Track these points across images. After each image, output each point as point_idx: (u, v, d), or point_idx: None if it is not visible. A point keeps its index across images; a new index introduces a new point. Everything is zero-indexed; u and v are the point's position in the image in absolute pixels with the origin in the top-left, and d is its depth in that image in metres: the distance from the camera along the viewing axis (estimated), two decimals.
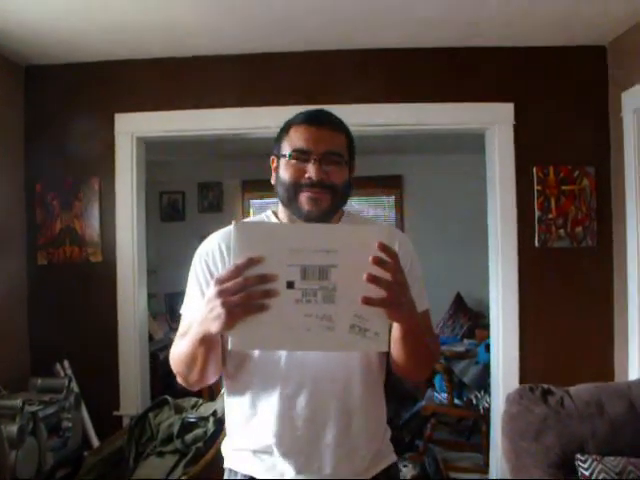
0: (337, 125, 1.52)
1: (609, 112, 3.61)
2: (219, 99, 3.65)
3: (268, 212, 1.62)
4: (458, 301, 6.40)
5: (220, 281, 1.18)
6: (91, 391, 3.53)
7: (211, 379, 1.47)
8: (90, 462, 2.83)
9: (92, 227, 3.70)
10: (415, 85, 3.66)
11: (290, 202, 1.48)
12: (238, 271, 1.17)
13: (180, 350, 1.42)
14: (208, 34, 3.39)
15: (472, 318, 6.13)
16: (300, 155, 1.46)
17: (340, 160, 1.48)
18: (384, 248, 1.17)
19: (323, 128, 1.47)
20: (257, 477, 1.48)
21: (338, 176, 1.47)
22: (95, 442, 3.43)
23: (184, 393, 3.46)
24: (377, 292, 1.18)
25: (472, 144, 4.21)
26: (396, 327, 1.33)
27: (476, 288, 5.71)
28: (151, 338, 4.46)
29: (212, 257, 1.51)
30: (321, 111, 1.54)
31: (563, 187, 3.62)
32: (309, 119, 1.49)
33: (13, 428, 2.59)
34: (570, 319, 3.63)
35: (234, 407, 1.54)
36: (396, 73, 3.66)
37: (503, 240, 3.64)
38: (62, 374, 3.47)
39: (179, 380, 1.52)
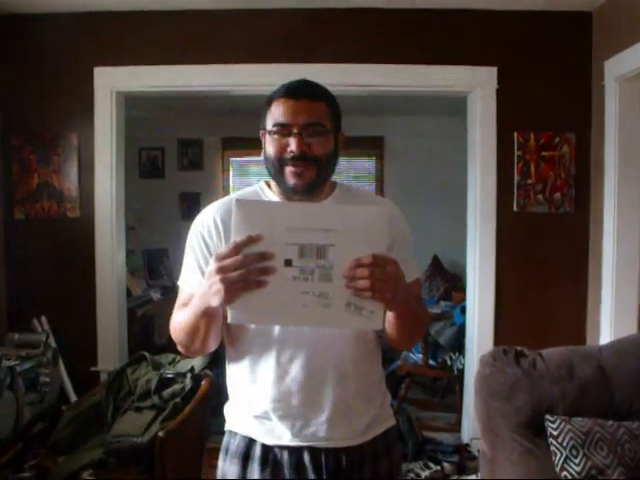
0: (318, 95, 1.50)
1: (592, 79, 3.62)
2: (201, 55, 3.60)
3: (261, 183, 1.61)
4: (435, 263, 6.45)
5: (220, 258, 1.22)
6: (69, 346, 3.54)
7: (212, 347, 1.51)
8: (68, 416, 2.84)
9: (70, 182, 3.67)
10: (398, 46, 3.63)
11: (276, 176, 1.49)
12: (237, 249, 1.21)
13: (181, 320, 1.46)
14: None
15: (449, 280, 6.19)
16: (281, 129, 1.45)
17: (322, 130, 1.46)
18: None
19: (303, 99, 1.46)
20: (256, 439, 1.52)
21: (321, 147, 1.46)
22: (73, 397, 3.44)
23: (162, 349, 3.48)
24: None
25: (454, 107, 4.20)
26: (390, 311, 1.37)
27: (454, 251, 5.76)
28: (129, 294, 4.45)
29: (207, 230, 1.51)
30: (302, 82, 1.52)
31: (543, 153, 3.64)
32: (288, 92, 1.47)
33: None
34: (546, 283, 3.69)
35: (234, 373, 1.58)
36: (379, 34, 3.63)
37: (482, 204, 3.67)
38: (40, 329, 3.47)
39: (179, 348, 1.54)
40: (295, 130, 1.43)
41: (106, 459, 2.54)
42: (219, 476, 1.59)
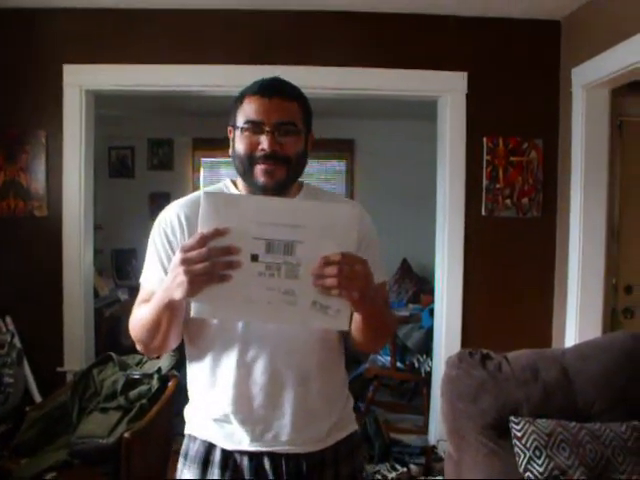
0: (291, 94, 1.48)
1: (560, 87, 3.68)
2: (172, 55, 3.58)
3: (227, 181, 1.59)
4: (404, 266, 6.49)
5: (185, 249, 1.20)
6: (34, 347, 3.50)
7: (172, 345, 1.47)
8: (32, 417, 2.80)
9: (38, 181, 3.62)
10: (370, 51, 3.66)
11: (245, 174, 1.47)
12: (203, 241, 1.19)
13: (142, 316, 1.43)
14: None
15: (417, 283, 6.23)
16: (253, 127, 1.43)
17: (294, 130, 1.45)
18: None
19: (276, 98, 1.44)
20: (216, 444, 1.50)
21: (292, 147, 1.45)
22: (38, 398, 3.40)
23: (129, 350, 3.45)
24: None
25: (424, 111, 4.23)
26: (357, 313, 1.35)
27: (422, 254, 5.81)
28: (96, 294, 4.40)
29: (171, 227, 1.49)
30: (275, 80, 1.50)
31: (512, 158, 3.69)
32: (262, 89, 1.45)
33: None
34: (513, 287, 3.74)
35: (194, 374, 1.54)
36: (351, 37, 3.64)
37: (450, 207, 3.70)
38: (4, 329, 3.42)
39: (138, 347, 1.51)
40: (267, 128, 1.41)
41: (71, 461, 2.52)
42: None
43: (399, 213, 6.30)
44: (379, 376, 4.68)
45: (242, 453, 1.47)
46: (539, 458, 2.21)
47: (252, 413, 1.45)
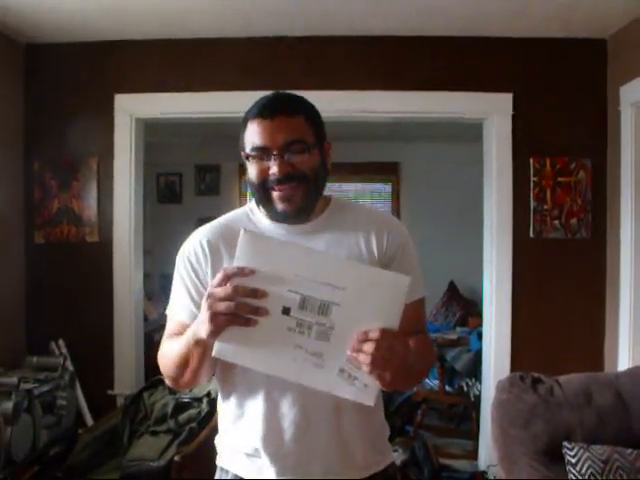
0: (294, 109, 1.39)
1: (607, 105, 3.63)
2: (218, 82, 3.65)
3: (251, 204, 1.51)
4: (452, 289, 6.43)
5: (211, 285, 1.18)
6: (86, 370, 3.56)
7: (203, 381, 1.42)
8: (84, 440, 2.86)
9: (89, 207, 3.71)
10: (415, 73, 3.66)
11: (263, 202, 1.41)
12: (227, 278, 1.15)
13: (171, 351, 1.37)
14: (209, 16, 3.37)
15: (465, 306, 6.16)
16: (260, 153, 1.36)
17: (304, 147, 1.36)
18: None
19: (278, 117, 1.35)
20: (245, 478, 1.43)
21: (306, 163, 1.37)
22: (89, 421, 3.45)
23: None
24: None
25: (470, 133, 4.22)
26: None
27: (470, 276, 5.75)
28: (146, 318, 4.47)
29: (195, 255, 1.44)
30: (275, 97, 1.42)
31: (559, 179, 3.64)
32: (261, 110, 1.37)
33: (9, 405, 2.62)
34: (562, 310, 3.66)
35: (224, 407, 1.48)
36: (396, 61, 3.66)
37: (498, 230, 3.66)
38: (57, 353, 3.49)
39: (167, 382, 1.46)
40: (275, 152, 1.34)
41: None
42: None
43: (446, 235, 6.25)
44: (428, 399, 4.62)
45: None
46: None
47: (282, 447, 1.38)
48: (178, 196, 6.92)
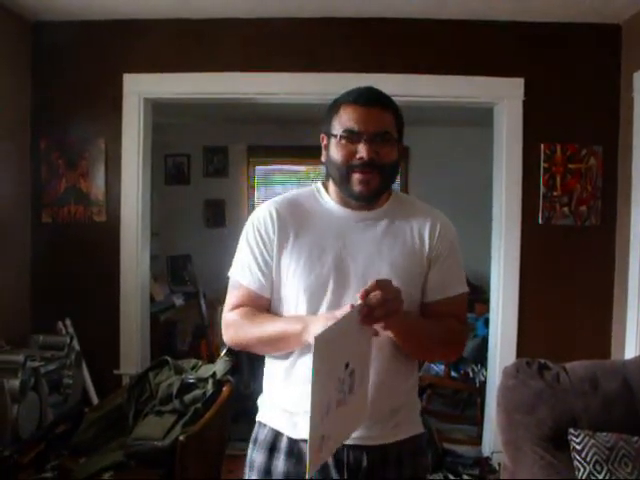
0: (386, 104, 1.52)
1: (620, 91, 3.59)
2: (228, 63, 3.63)
3: (318, 185, 1.64)
4: None
5: None
6: (92, 350, 3.58)
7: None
8: (90, 418, 2.86)
9: (97, 187, 3.71)
10: (426, 57, 3.64)
11: (341, 182, 1.52)
12: None
13: (260, 328, 1.53)
14: None
15: (472, 292, 6.07)
16: (351, 135, 1.48)
17: (390, 139, 1.50)
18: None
19: (373, 108, 1.49)
20: (282, 432, 1.57)
21: (388, 156, 1.50)
22: (95, 400, 3.47)
23: (183, 354, 3.49)
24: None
25: (479, 118, 4.19)
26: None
27: (477, 262, 5.70)
28: (152, 299, 4.48)
29: (264, 225, 1.56)
30: (371, 89, 1.54)
31: (570, 165, 3.61)
32: (359, 98, 1.50)
33: (15, 382, 2.62)
34: (570, 296, 3.65)
35: (272, 369, 1.63)
36: (408, 44, 3.64)
37: (507, 215, 3.65)
38: (64, 332, 3.50)
39: (229, 341, 1.61)
40: (365, 137, 1.47)
41: (127, 461, 2.55)
42: (247, 464, 1.64)
43: (453, 220, 6.11)
44: (433, 385, 4.63)
45: (306, 442, 1.48)
46: (600, 473, 2.15)
47: None
48: (186, 177, 6.89)
